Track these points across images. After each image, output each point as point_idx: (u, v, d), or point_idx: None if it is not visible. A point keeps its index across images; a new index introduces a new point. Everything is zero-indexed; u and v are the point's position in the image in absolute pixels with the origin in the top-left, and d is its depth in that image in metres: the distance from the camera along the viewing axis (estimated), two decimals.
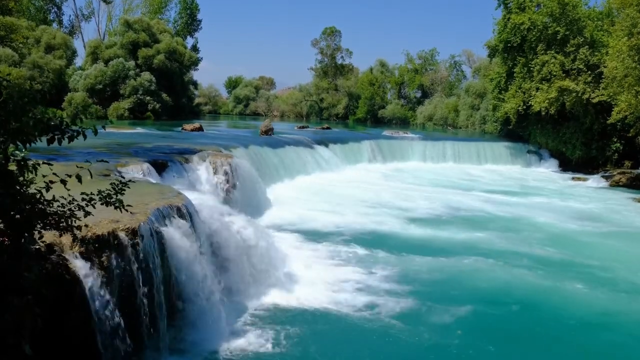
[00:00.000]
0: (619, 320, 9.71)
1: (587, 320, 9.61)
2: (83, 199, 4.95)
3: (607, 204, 21.83)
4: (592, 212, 19.89)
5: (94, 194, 5.02)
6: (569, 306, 10.17)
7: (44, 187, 4.55)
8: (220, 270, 9.14)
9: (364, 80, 67.47)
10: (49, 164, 4.67)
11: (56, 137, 4.36)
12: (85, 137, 4.41)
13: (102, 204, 5.07)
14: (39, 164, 4.50)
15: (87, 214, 4.94)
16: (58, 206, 4.75)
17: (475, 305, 9.93)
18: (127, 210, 5.26)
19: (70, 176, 4.59)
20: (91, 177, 4.81)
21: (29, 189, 4.51)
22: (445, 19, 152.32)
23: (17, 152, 4.34)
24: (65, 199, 4.86)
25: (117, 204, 5.12)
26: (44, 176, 4.59)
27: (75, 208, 4.89)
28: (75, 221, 4.88)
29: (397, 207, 18.73)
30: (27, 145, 4.38)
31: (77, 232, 4.94)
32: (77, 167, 4.75)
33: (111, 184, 5.27)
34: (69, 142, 4.46)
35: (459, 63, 66.23)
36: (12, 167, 4.40)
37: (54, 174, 4.57)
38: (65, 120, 4.41)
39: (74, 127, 4.43)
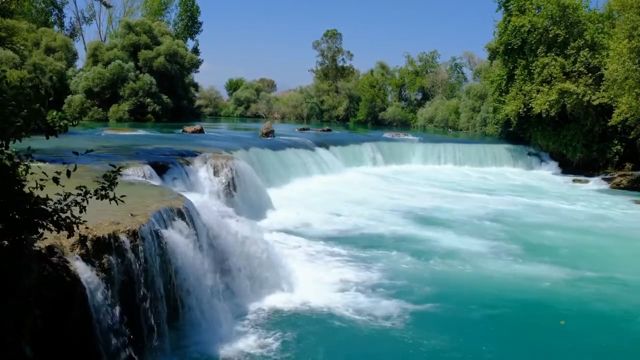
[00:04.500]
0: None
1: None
2: (79, 194, 4.93)
3: (608, 206, 21.82)
4: (595, 213, 19.90)
5: (88, 188, 4.98)
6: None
7: (35, 187, 4.53)
8: (221, 272, 9.13)
9: (365, 82, 67.55)
10: (44, 162, 4.66)
11: (55, 129, 4.36)
12: (74, 124, 4.43)
13: (97, 198, 5.04)
14: (29, 158, 4.49)
15: (83, 208, 4.90)
16: (55, 203, 4.73)
17: (477, 306, 9.92)
18: (117, 203, 5.18)
19: (59, 173, 4.58)
20: (75, 169, 4.78)
21: (25, 188, 4.50)
22: (446, 21, 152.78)
23: (12, 152, 4.33)
24: (61, 194, 4.85)
25: (110, 197, 5.06)
26: (42, 173, 4.58)
27: (71, 203, 4.86)
28: (72, 218, 4.84)
29: (399, 207, 18.71)
30: (16, 140, 4.37)
31: (76, 229, 4.90)
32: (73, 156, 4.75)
33: (104, 175, 5.19)
34: (64, 132, 4.46)
35: (459, 65, 66.44)
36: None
37: (56, 173, 4.55)
38: (59, 114, 4.42)
39: (65, 120, 4.43)
